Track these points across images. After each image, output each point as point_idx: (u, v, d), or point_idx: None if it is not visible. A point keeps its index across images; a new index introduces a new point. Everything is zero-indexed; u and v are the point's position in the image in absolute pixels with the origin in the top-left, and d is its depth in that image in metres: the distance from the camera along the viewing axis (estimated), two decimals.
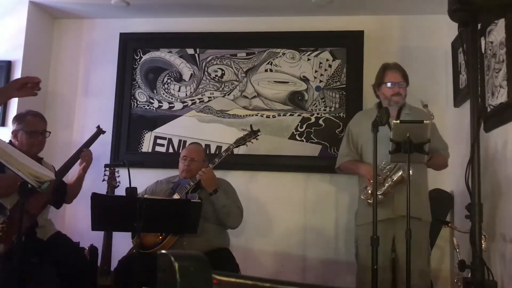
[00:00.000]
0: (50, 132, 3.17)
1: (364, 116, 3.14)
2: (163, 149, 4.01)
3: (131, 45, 4.12)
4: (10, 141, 3.07)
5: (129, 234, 3.13)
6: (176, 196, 3.12)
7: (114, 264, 3.15)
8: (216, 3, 3.80)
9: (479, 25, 1.92)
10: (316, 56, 3.90)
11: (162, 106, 4.04)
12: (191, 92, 4.02)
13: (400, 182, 2.76)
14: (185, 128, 3.98)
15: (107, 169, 3.32)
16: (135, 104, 4.07)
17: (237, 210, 3.16)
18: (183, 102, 4.02)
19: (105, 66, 4.12)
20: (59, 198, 3.07)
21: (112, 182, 3.27)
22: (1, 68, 3.84)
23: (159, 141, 4.02)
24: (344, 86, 3.84)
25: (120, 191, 3.15)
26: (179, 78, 4.06)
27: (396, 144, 2.49)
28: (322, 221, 3.74)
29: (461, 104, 3.37)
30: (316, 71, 3.89)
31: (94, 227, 2.63)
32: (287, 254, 3.74)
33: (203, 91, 4.00)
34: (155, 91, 4.07)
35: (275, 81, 3.93)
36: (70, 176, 3.27)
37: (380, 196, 2.75)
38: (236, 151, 3.32)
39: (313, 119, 3.85)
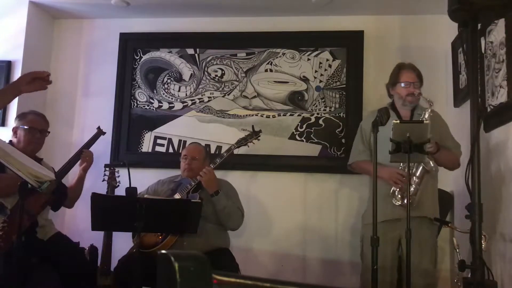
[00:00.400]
0: (49, 132, 3.16)
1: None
2: (163, 149, 4.01)
3: (131, 45, 4.12)
4: (10, 140, 3.07)
5: (129, 234, 3.13)
6: (177, 196, 3.12)
7: (114, 264, 3.15)
8: (216, 3, 3.80)
9: (479, 25, 1.92)
10: (316, 56, 3.91)
11: (162, 106, 4.04)
12: (191, 92, 4.02)
13: (424, 176, 2.76)
14: (185, 128, 3.98)
15: (107, 169, 3.33)
16: (135, 104, 4.07)
17: (237, 212, 3.16)
18: (183, 102, 4.02)
19: (105, 66, 4.12)
20: (58, 199, 3.06)
21: (112, 182, 3.28)
22: (1, 68, 3.84)
23: (159, 141, 4.02)
24: (344, 86, 3.84)
25: (120, 191, 3.15)
26: (179, 78, 4.06)
27: (396, 144, 2.49)
28: (322, 221, 3.74)
29: (461, 104, 3.37)
30: (316, 71, 3.89)
31: (94, 227, 2.63)
32: (287, 254, 3.74)
33: (203, 91, 4.00)
34: (155, 91, 4.07)
35: (275, 81, 3.93)
36: (70, 178, 3.27)
37: (412, 197, 2.74)
38: (236, 151, 3.32)
39: (313, 119, 3.85)
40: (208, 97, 3.99)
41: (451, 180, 3.49)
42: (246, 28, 3.99)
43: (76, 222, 3.82)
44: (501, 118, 2.68)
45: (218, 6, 3.85)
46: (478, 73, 1.93)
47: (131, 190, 2.68)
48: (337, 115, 3.83)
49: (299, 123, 3.86)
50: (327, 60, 3.89)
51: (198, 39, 4.05)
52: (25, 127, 3.01)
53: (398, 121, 2.59)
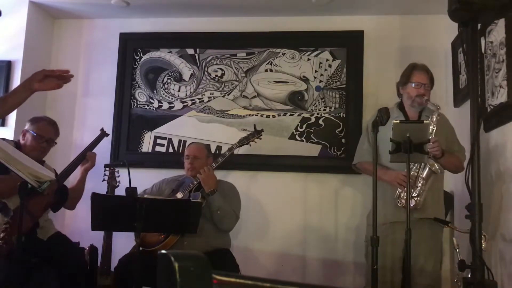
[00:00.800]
0: (56, 143, 3.16)
1: None
2: (163, 149, 4.01)
3: (131, 45, 4.12)
4: (18, 140, 3.07)
5: (129, 234, 3.12)
6: (179, 195, 3.14)
7: (114, 264, 3.15)
8: (216, 3, 3.80)
9: (479, 25, 1.92)
10: (316, 56, 3.91)
11: (162, 106, 4.04)
12: (191, 92, 4.02)
13: (430, 177, 2.76)
14: (185, 128, 3.98)
15: (107, 169, 3.32)
16: (135, 104, 4.07)
17: (231, 215, 3.15)
18: (183, 102, 4.02)
19: (105, 66, 4.12)
20: (59, 201, 3.06)
21: (112, 182, 3.27)
22: (1, 68, 3.84)
23: (159, 141, 4.02)
24: (344, 86, 3.84)
25: (120, 191, 3.15)
26: (179, 78, 4.06)
27: (396, 144, 2.49)
28: (322, 221, 3.74)
29: (461, 104, 3.37)
30: (316, 71, 3.89)
31: (94, 227, 2.63)
32: (287, 254, 3.74)
33: (203, 91, 4.00)
34: (155, 91, 4.07)
35: (275, 81, 3.93)
36: (71, 180, 3.27)
37: (417, 199, 2.74)
38: (236, 151, 3.32)
39: (313, 119, 3.85)
40: (208, 97, 3.99)
41: (451, 180, 3.49)
42: (246, 28, 3.99)
43: (76, 222, 3.82)
44: (501, 118, 2.68)
45: (218, 6, 3.85)
46: (478, 73, 1.93)
47: (131, 190, 2.68)
48: (337, 115, 3.83)
49: (299, 123, 3.86)
50: (327, 60, 3.89)
51: (198, 39, 4.05)
52: (34, 133, 3.01)
53: (398, 121, 2.58)
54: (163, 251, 1.03)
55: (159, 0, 3.83)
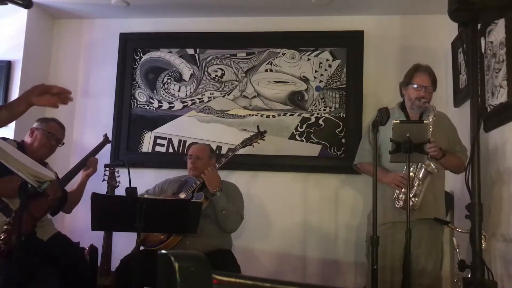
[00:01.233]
0: (63, 143, 3.17)
1: None
2: (163, 149, 4.01)
3: (131, 45, 4.12)
4: (22, 140, 3.07)
5: (129, 234, 3.13)
6: (182, 195, 3.14)
7: (114, 264, 3.15)
8: (216, 3, 3.80)
9: (479, 25, 1.92)
10: (316, 56, 3.91)
11: (162, 106, 4.04)
12: (191, 92, 4.02)
13: (426, 178, 2.75)
14: (185, 128, 3.98)
15: (107, 169, 3.32)
16: (135, 104, 4.07)
17: (236, 216, 3.16)
18: (183, 102, 4.02)
19: (105, 66, 4.12)
20: (57, 205, 3.06)
21: (112, 182, 3.27)
22: (1, 68, 3.84)
23: (159, 141, 4.02)
24: (344, 86, 3.84)
25: (120, 191, 3.15)
26: (179, 78, 4.06)
27: (396, 144, 2.49)
28: (322, 221, 3.74)
29: (461, 104, 3.37)
30: (316, 71, 3.89)
31: (94, 227, 2.62)
32: (287, 254, 3.74)
33: (203, 91, 4.00)
34: (155, 91, 4.07)
35: (275, 81, 3.93)
36: (71, 187, 3.26)
37: (414, 199, 2.74)
38: (238, 151, 3.32)
39: (313, 119, 3.85)
40: (208, 97, 3.99)
41: (451, 180, 3.49)
42: (246, 28, 3.99)
43: (76, 222, 3.82)
44: (501, 118, 2.68)
45: (218, 6, 3.85)
46: (478, 73, 1.93)
47: (131, 190, 2.68)
48: (337, 115, 3.83)
49: (299, 123, 3.86)
50: (327, 60, 3.89)
51: (198, 39, 4.05)
52: (45, 130, 3.03)
53: (398, 121, 2.58)
54: (163, 251, 1.03)
55: (159, 0, 3.83)
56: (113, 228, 3.01)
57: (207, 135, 3.92)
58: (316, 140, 3.82)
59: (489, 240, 2.57)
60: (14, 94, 3.82)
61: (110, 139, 3.93)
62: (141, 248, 2.95)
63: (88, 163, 3.19)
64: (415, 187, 2.75)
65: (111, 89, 4.07)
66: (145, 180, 3.47)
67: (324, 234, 3.72)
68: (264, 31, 3.96)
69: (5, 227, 2.60)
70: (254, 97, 3.94)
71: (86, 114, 4.12)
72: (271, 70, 3.95)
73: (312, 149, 3.82)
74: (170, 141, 4.01)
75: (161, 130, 4.02)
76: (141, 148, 4.03)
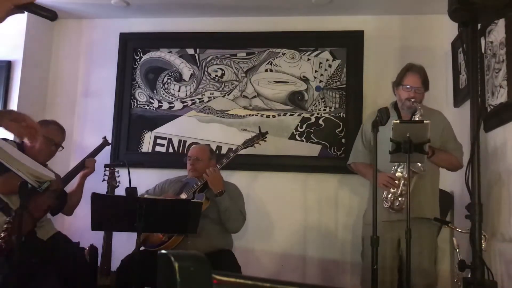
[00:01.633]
0: (63, 147, 3.17)
1: None
2: (163, 149, 4.01)
3: (131, 45, 4.12)
4: (22, 142, 3.07)
5: (129, 234, 3.13)
6: (183, 195, 3.14)
7: (114, 264, 3.15)
8: (216, 3, 3.80)
9: (479, 25, 1.92)
10: (316, 56, 3.91)
11: (162, 106, 4.04)
12: (191, 92, 4.02)
13: (413, 177, 2.74)
14: (185, 128, 3.98)
15: (107, 169, 3.33)
16: (135, 104, 4.07)
17: (239, 216, 3.17)
18: (183, 102, 4.02)
19: (105, 66, 4.12)
20: (58, 205, 3.06)
21: (112, 182, 3.28)
22: (1, 68, 3.84)
23: (159, 141, 4.02)
24: (344, 86, 3.84)
25: (120, 191, 3.15)
26: (179, 78, 4.06)
27: (396, 144, 2.49)
28: (322, 221, 3.74)
29: (461, 104, 3.37)
30: (316, 71, 3.89)
31: (94, 227, 2.62)
32: (287, 254, 3.75)
33: (203, 91, 4.00)
34: (155, 91, 4.07)
35: (275, 81, 3.93)
36: (70, 188, 3.27)
37: (401, 199, 2.74)
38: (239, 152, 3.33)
39: (313, 119, 3.85)
40: (208, 97, 3.99)
41: (451, 180, 3.49)
42: (246, 28, 3.99)
43: (76, 222, 3.81)
44: (501, 118, 2.68)
45: (218, 6, 3.85)
46: (478, 73, 1.93)
47: (131, 190, 2.68)
48: (337, 115, 3.83)
49: (299, 123, 3.86)
50: (327, 60, 3.89)
51: (198, 39, 4.05)
52: (44, 136, 3.00)
53: (398, 121, 2.58)
54: (163, 251, 1.03)
55: (159, 0, 3.83)
56: (113, 228, 3.01)
57: (207, 135, 3.92)
58: (316, 140, 3.82)
59: (489, 240, 2.57)
60: (14, 94, 3.83)
61: (110, 139, 3.95)
62: (142, 248, 2.96)
63: (86, 163, 3.20)
64: (400, 187, 2.75)
65: (111, 89, 4.07)
66: (145, 180, 3.47)
67: (324, 234, 3.72)
68: (264, 31, 3.96)
69: (5, 226, 2.60)
70: (254, 97, 3.94)
71: (86, 114, 4.12)
72: (271, 70, 3.95)
73: (312, 149, 3.82)
74: (170, 141, 4.01)
75: (161, 130, 4.02)
76: (141, 148, 4.03)
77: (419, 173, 2.72)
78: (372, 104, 3.70)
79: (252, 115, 3.92)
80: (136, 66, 4.11)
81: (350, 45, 3.86)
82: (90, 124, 4.07)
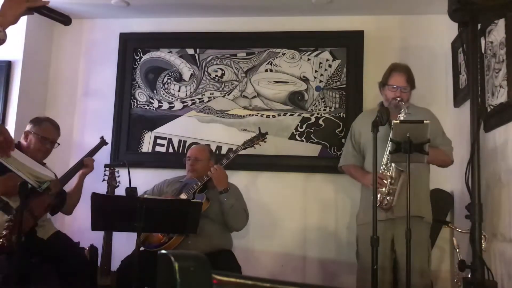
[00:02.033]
0: (59, 144, 3.17)
1: (367, 116, 3.14)
2: (163, 149, 4.01)
3: (131, 45, 4.12)
4: (19, 142, 3.08)
5: (129, 234, 3.13)
6: (183, 196, 3.14)
7: (114, 264, 3.15)
8: (216, 3, 3.80)
9: (479, 25, 1.92)
10: (316, 56, 3.91)
11: (162, 106, 4.04)
12: (191, 92, 4.02)
13: (400, 176, 2.75)
14: (185, 128, 3.98)
15: (107, 169, 3.33)
16: (135, 104, 4.07)
17: (243, 213, 3.18)
18: (183, 102, 4.02)
19: (105, 66, 4.12)
20: (57, 204, 3.06)
21: (112, 182, 3.28)
22: (1, 68, 3.84)
23: (159, 141, 4.02)
24: (344, 86, 3.84)
25: (120, 191, 3.15)
26: (179, 78, 4.06)
27: (396, 144, 2.49)
28: (322, 221, 3.74)
29: (461, 104, 3.37)
30: (316, 71, 3.89)
31: (94, 227, 2.63)
32: (287, 254, 3.74)
33: (203, 91, 4.00)
34: (155, 91, 4.07)
35: (275, 81, 3.93)
36: (69, 188, 3.27)
37: (389, 198, 2.75)
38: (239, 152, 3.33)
39: (313, 119, 3.85)
40: (208, 97, 3.99)
41: (451, 180, 3.49)
42: (246, 28, 3.99)
43: (76, 222, 3.82)
44: (501, 118, 2.68)
45: (218, 6, 3.85)
46: (478, 73, 1.93)
47: (131, 190, 2.68)
48: (337, 115, 3.83)
49: (299, 123, 3.86)
50: (327, 60, 3.89)
51: (198, 39, 4.05)
52: (38, 135, 3.01)
53: (398, 121, 2.58)
54: (163, 251, 1.03)
55: (159, 0, 3.83)
56: (113, 228, 3.01)
57: (207, 135, 3.92)
58: (316, 140, 3.82)
59: (489, 240, 2.57)
60: (14, 94, 3.83)
61: (110, 139, 3.95)
62: (142, 249, 2.96)
63: (84, 162, 3.20)
64: (387, 186, 2.75)
65: (111, 89, 4.07)
66: (145, 180, 3.47)
67: (324, 234, 3.72)
68: (264, 31, 3.96)
69: (6, 224, 2.61)
70: (254, 97, 3.94)
71: (86, 114, 4.12)
72: (271, 70, 3.95)
73: (312, 149, 3.82)
74: (170, 141, 4.01)
75: (161, 130, 4.02)
76: (141, 148, 4.03)
77: (405, 171, 2.72)
78: (372, 104, 3.69)
79: (252, 115, 3.92)
80: (136, 66, 4.11)
81: (350, 45, 3.85)
82: (90, 124, 4.06)
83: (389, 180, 2.76)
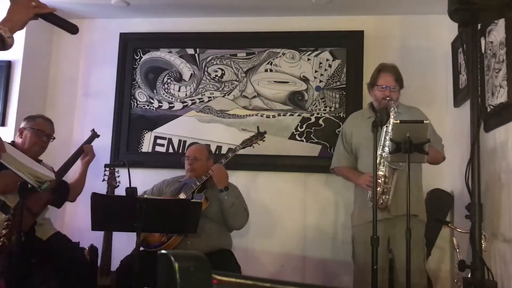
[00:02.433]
0: (54, 138, 3.18)
1: (358, 117, 3.15)
2: (163, 149, 4.01)
3: (131, 45, 4.12)
4: (13, 141, 3.08)
5: (129, 234, 3.13)
6: (182, 196, 3.14)
7: (114, 264, 3.15)
8: (216, 3, 3.80)
9: (479, 25, 1.92)
10: (316, 56, 3.90)
11: (162, 106, 4.04)
12: (191, 92, 4.02)
13: (393, 174, 2.75)
14: (185, 128, 3.98)
15: (107, 169, 3.33)
16: (135, 104, 4.07)
17: (243, 212, 3.18)
18: (183, 102, 4.02)
19: (105, 66, 4.12)
20: (60, 197, 3.07)
21: (112, 182, 3.28)
22: (1, 68, 3.84)
23: (159, 141, 4.02)
24: (344, 86, 3.84)
25: (120, 191, 3.15)
26: (179, 78, 4.06)
27: (396, 144, 2.49)
28: (321, 221, 3.74)
29: (461, 104, 3.37)
30: (316, 71, 3.89)
31: (94, 227, 2.62)
32: (287, 254, 3.74)
33: (203, 91, 4.00)
34: (155, 91, 4.07)
35: (275, 81, 3.93)
36: (70, 175, 3.28)
37: (384, 197, 2.75)
38: (238, 151, 3.33)
39: (313, 119, 3.85)
40: (208, 97, 3.99)
41: (451, 180, 3.49)
42: (246, 28, 3.99)
43: (76, 222, 3.82)
44: (501, 118, 2.68)
45: (218, 6, 3.85)
46: (478, 73, 1.93)
47: (131, 190, 2.68)
48: (337, 115, 3.83)
49: (299, 123, 3.86)
50: (327, 60, 3.89)
51: (198, 39, 4.05)
52: (34, 129, 3.03)
53: (398, 121, 2.58)
54: (163, 251, 1.03)
55: (159, 0, 3.83)
56: (113, 228, 3.01)
57: (207, 135, 3.92)
58: (316, 140, 3.82)
59: (489, 240, 2.57)
60: (14, 94, 3.82)
61: (110, 139, 3.96)
62: (142, 249, 2.96)
63: (84, 149, 3.25)
64: (381, 185, 2.75)
65: (111, 89, 4.07)
66: (145, 180, 3.47)
67: (324, 234, 3.72)
68: (264, 31, 3.96)
69: (5, 223, 2.61)
70: (254, 97, 3.94)
71: (86, 114, 4.12)
72: (271, 70, 3.95)
73: (312, 149, 3.82)
74: (170, 141, 4.01)
75: (161, 130, 4.02)
76: (141, 148, 4.03)
77: (398, 169, 2.73)
78: None
79: (252, 115, 3.92)
80: (136, 66, 4.11)
81: (350, 45, 3.85)
82: (90, 124, 4.04)
83: (382, 179, 2.76)
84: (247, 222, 3.27)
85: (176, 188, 3.26)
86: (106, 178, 3.30)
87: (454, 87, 3.50)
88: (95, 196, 2.58)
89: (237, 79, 3.97)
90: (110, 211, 2.62)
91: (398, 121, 2.57)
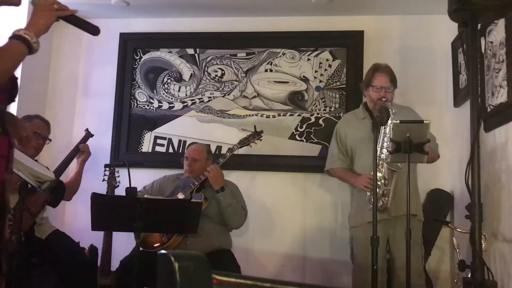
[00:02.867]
0: (50, 140, 3.19)
1: (352, 118, 3.15)
2: (163, 149, 4.00)
3: (131, 45, 4.11)
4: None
5: (129, 234, 3.13)
6: (180, 195, 3.14)
7: (114, 264, 3.14)
8: (216, 3, 3.80)
9: (479, 25, 1.92)
10: (316, 56, 3.90)
11: (162, 106, 4.04)
12: (191, 92, 4.02)
13: (392, 176, 2.75)
14: (185, 128, 3.98)
15: (107, 169, 3.33)
16: (135, 104, 4.07)
17: (241, 211, 3.19)
18: (183, 102, 4.02)
19: (105, 66, 4.11)
20: (56, 197, 3.07)
21: (112, 182, 3.28)
22: None
23: (159, 141, 4.01)
24: (344, 86, 3.84)
25: (120, 191, 3.15)
26: (179, 78, 4.06)
27: (396, 144, 2.49)
28: (321, 221, 3.74)
29: (461, 104, 3.37)
30: (316, 71, 3.89)
31: (94, 227, 2.63)
32: (287, 254, 3.74)
33: (203, 91, 4.00)
34: (155, 91, 4.07)
35: (275, 81, 3.93)
36: (67, 174, 3.29)
37: (384, 199, 2.75)
38: (236, 151, 3.33)
39: (313, 119, 3.85)
40: (208, 97, 3.99)
41: (451, 180, 3.49)
42: (246, 28, 3.98)
43: (76, 222, 3.82)
44: (501, 118, 2.68)
45: (218, 6, 3.85)
46: (478, 73, 1.93)
47: (131, 190, 2.68)
48: (337, 115, 3.83)
49: (299, 123, 3.86)
50: (327, 60, 3.89)
51: (198, 39, 4.05)
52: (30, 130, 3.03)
53: (398, 121, 2.58)
54: (163, 251, 1.03)
55: (159, 0, 3.83)
56: (113, 228, 3.01)
57: (207, 135, 3.92)
58: (316, 140, 3.82)
59: (489, 240, 2.57)
60: None
61: (110, 139, 3.96)
62: (142, 249, 2.96)
63: (80, 147, 3.28)
64: (381, 187, 2.75)
65: (111, 89, 4.07)
66: (145, 180, 3.47)
67: (324, 234, 3.72)
68: (264, 31, 3.96)
69: None
70: (254, 97, 3.94)
71: (86, 114, 4.12)
72: (271, 70, 3.95)
73: (312, 149, 3.82)
74: (170, 141, 4.01)
75: (161, 130, 4.02)
76: (141, 148, 4.03)
77: (397, 171, 2.73)
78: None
79: (252, 115, 3.92)
80: (136, 66, 4.11)
81: (350, 45, 3.85)
82: (90, 124, 4.04)
83: (382, 181, 2.76)
84: (247, 222, 3.28)
85: (174, 187, 3.27)
86: (106, 178, 3.30)
87: (454, 87, 3.50)
88: (95, 196, 2.59)
89: (237, 79, 3.97)
90: (110, 211, 2.63)
91: (398, 121, 2.57)
